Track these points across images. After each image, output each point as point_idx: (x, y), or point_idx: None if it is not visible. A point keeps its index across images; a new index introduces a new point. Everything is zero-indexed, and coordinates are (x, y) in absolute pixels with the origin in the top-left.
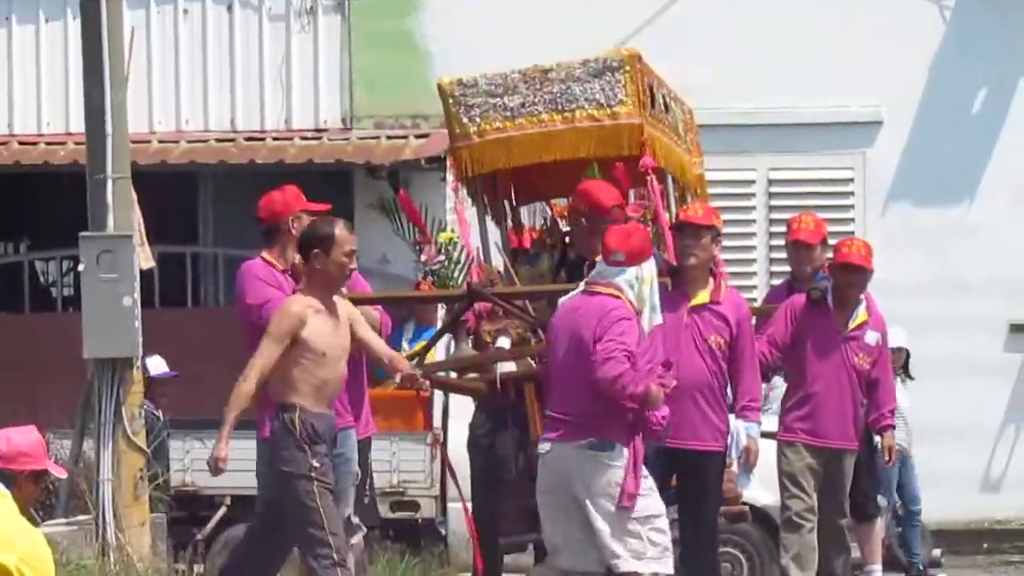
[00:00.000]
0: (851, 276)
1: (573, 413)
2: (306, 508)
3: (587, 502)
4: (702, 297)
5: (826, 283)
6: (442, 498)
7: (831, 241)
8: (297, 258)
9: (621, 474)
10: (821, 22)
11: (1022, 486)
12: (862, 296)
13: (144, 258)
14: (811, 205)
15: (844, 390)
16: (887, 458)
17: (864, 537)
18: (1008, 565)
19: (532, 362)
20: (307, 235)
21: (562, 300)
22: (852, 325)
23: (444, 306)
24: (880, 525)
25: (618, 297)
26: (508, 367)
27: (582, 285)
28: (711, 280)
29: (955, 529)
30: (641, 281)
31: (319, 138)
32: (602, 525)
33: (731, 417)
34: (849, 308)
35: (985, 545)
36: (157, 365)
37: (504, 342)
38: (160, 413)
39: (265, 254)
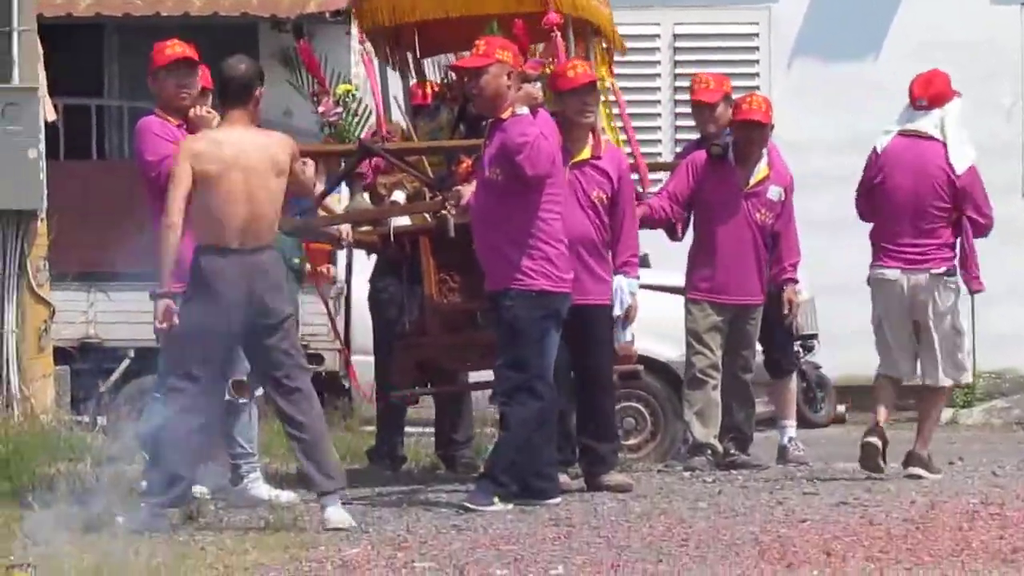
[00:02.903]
0: (751, 132)
1: (922, 244)
2: None
3: (931, 322)
4: (584, 153)
5: (727, 139)
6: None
7: (736, 95)
8: (192, 111)
9: (957, 296)
10: None
11: None
12: (764, 151)
13: (48, 111)
14: (716, 60)
15: (746, 246)
16: (787, 311)
17: (778, 392)
18: (911, 421)
19: (427, 216)
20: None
21: (885, 142)
22: (753, 181)
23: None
24: (794, 381)
25: (935, 140)
26: (402, 221)
27: (896, 129)
28: (591, 136)
29: (858, 384)
30: (945, 121)
31: None
32: (940, 343)
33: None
34: (750, 164)
35: None
36: None
37: (399, 196)
38: None
39: (159, 109)
